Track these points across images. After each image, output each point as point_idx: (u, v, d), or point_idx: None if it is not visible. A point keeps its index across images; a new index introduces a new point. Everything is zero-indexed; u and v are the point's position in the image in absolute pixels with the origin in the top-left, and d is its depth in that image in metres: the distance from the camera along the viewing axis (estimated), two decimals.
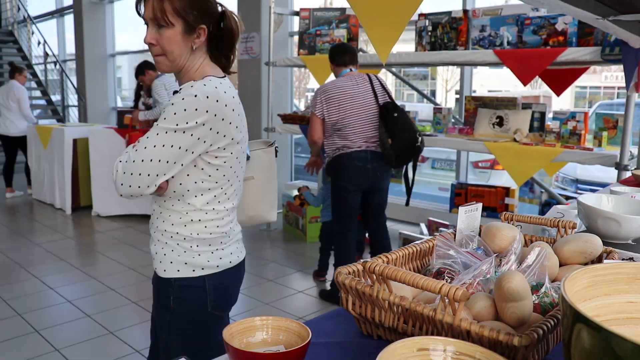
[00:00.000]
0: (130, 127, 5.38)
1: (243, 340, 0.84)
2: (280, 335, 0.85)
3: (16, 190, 6.58)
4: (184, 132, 1.26)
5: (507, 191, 4.59)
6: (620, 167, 3.12)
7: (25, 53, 10.40)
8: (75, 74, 9.59)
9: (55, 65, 9.85)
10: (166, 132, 1.26)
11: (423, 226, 4.67)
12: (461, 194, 4.80)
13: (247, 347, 0.83)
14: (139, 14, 1.35)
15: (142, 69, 5.26)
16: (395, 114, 3.12)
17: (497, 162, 4.69)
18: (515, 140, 3.68)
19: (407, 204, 3.50)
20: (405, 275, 0.81)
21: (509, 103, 4.04)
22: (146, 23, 1.33)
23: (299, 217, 4.82)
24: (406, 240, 4.22)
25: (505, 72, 4.21)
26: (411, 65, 5.21)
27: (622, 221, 1.31)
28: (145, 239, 4.77)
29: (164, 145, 1.26)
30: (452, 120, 4.49)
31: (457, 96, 6.18)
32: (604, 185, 4.77)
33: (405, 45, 5.92)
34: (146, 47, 1.35)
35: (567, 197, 4.58)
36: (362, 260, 0.92)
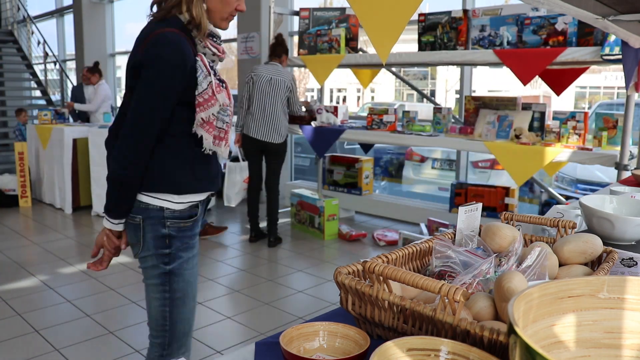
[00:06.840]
0: None
1: (300, 347, 0.82)
2: (336, 341, 0.84)
3: None
4: None
5: (507, 191, 4.59)
6: (620, 167, 3.13)
7: (25, 53, 10.39)
8: (75, 74, 9.58)
9: (55, 65, 9.85)
10: None
11: (423, 226, 4.67)
12: (461, 194, 4.81)
13: (305, 353, 0.82)
14: None
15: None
16: None
17: (497, 162, 4.69)
18: (516, 137, 3.68)
19: None
20: (405, 275, 0.81)
21: (509, 103, 4.04)
22: None
23: (315, 216, 4.83)
24: (406, 240, 4.22)
25: (506, 71, 4.21)
26: (411, 65, 5.21)
27: (615, 221, 1.31)
28: None
29: None
30: (452, 120, 4.49)
31: (457, 96, 6.17)
32: (604, 185, 4.77)
33: (405, 45, 5.92)
34: None
35: (567, 197, 4.58)
36: (362, 260, 0.92)
